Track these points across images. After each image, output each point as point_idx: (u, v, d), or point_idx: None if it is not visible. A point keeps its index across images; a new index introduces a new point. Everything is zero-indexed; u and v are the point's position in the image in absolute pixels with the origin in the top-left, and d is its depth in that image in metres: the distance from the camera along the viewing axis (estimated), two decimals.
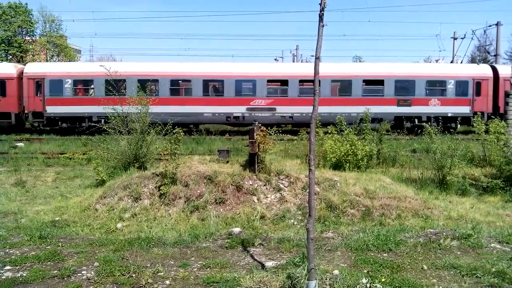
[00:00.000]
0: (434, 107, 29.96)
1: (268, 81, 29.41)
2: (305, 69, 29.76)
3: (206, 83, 29.37)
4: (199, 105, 28.83)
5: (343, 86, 30.14)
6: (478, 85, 30.24)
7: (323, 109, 26.41)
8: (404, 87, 30.02)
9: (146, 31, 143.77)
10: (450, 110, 30.05)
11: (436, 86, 30.25)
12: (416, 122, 29.78)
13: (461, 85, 30.15)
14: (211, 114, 29.13)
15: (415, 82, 29.83)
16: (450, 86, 29.93)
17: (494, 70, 30.90)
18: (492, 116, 29.21)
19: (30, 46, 55.22)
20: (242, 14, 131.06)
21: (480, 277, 5.98)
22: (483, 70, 31.04)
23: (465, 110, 30.09)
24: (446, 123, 29.71)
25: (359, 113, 28.42)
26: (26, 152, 20.38)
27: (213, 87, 30.20)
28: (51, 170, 16.11)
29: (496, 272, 6.10)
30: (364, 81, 29.80)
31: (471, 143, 16.73)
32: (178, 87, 29.85)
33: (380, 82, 29.80)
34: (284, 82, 29.58)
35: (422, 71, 30.75)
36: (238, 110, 29.12)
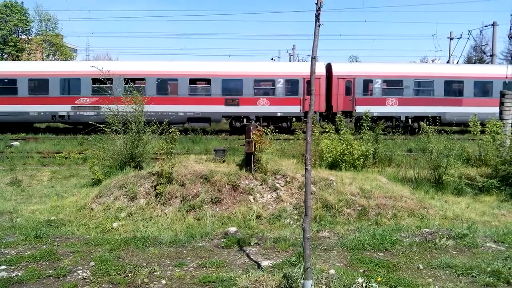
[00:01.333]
0: (263, 107, 29.40)
1: (93, 80, 27.99)
2: (127, 67, 29.40)
3: (31, 82, 29.27)
4: (24, 105, 28.96)
5: (165, 85, 29.91)
6: (309, 84, 29.36)
7: (150, 108, 26.69)
8: (232, 87, 29.67)
9: (142, 30, 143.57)
10: (280, 109, 29.47)
11: (264, 86, 29.83)
12: (245, 122, 29.39)
13: (291, 84, 29.64)
14: (36, 113, 29.10)
15: (242, 81, 29.43)
16: (279, 85, 29.41)
17: (329, 68, 30.49)
18: (324, 115, 29.65)
19: (26, 45, 55.02)
20: (238, 14, 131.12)
21: (476, 277, 6.00)
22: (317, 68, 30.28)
23: (295, 109, 29.52)
24: (276, 123, 29.26)
25: (186, 112, 28.80)
26: (22, 151, 20.33)
27: (35, 86, 29.75)
28: (47, 169, 16.07)
29: (492, 272, 6.12)
30: (190, 80, 29.52)
31: (467, 143, 16.76)
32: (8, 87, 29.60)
33: (207, 81, 29.59)
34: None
35: (250, 70, 30.10)
36: (63, 109, 29.03)
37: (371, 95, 29.86)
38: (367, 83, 29.75)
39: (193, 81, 29.49)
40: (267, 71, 30.11)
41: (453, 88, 30.39)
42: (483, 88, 30.48)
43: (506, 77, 29.94)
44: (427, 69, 31.54)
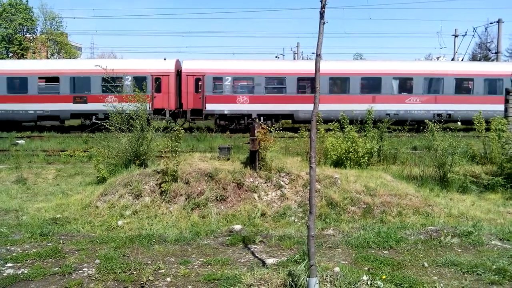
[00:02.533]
0: (111, 104, 28.83)
1: None
2: None
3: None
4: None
5: (15, 83, 29.94)
6: (157, 81, 29.48)
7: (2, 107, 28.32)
8: (81, 85, 29.43)
9: (146, 28, 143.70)
10: (128, 107, 28.87)
11: (112, 83, 29.24)
12: (93, 119, 29.08)
13: (139, 81, 28.63)
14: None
15: (90, 79, 29.18)
16: (127, 83, 28.84)
17: (179, 66, 30.21)
18: (175, 112, 29.47)
19: (31, 43, 55.19)
20: (243, 11, 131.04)
21: (481, 274, 5.99)
22: (164, 66, 30.18)
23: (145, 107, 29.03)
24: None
25: (36, 110, 29.14)
26: (27, 149, 20.42)
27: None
28: (52, 167, 16.12)
29: (497, 269, 6.11)
30: (39, 78, 29.62)
31: (472, 140, 16.70)
32: None
33: (56, 79, 29.48)
34: None
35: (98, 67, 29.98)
36: None
37: (222, 92, 29.48)
38: (217, 80, 29.30)
39: (42, 79, 29.64)
40: (115, 68, 29.85)
41: (309, 86, 30.09)
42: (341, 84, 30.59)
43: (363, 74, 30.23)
44: (278, 66, 31.16)
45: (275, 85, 30.04)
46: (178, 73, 29.97)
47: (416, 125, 29.54)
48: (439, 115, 29.16)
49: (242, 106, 29.36)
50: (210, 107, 28.95)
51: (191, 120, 29.43)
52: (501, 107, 28.76)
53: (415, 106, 29.74)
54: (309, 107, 25.90)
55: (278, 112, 29.58)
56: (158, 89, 29.52)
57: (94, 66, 29.53)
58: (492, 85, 30.47)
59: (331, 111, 26.22)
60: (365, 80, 30.21)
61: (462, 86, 30.77)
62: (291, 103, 29.47)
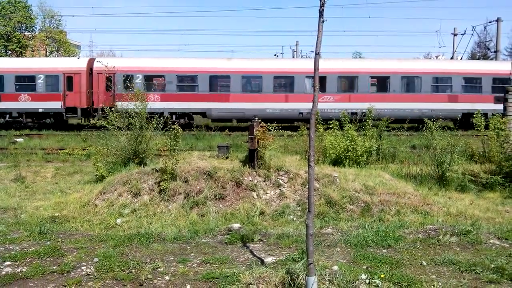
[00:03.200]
0: (25, 103, 29.16)
1: None
2: None
3: None
4: None
5: None
6: (70, 79, 29.45)
7: None
8: None
9: (145, 26, 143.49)
10: (41, 105, 29.26)
11: (26, 81, 29.48)
12: (8, 118, 29.39)
13: (52, 80, 29.39)
14: None
15: (3, 77, 29.26)
16: (40, 81, 29.17)
17: (92, 64, 29.83)
18: (87, 110, 29.47)
19: (30, 41, 55.08)
20: (242, 10, 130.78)
21: (479, 273, 5.99)
22: (76, 64, 30.08)
23: (57, 105, 29.34)
24: (40, 119, 29.53)
25: None
26: (26, 147, 20.42)
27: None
28: (51, 165, 16.11)
29: (495, 268, 6.11)
30: None
31: (471, 139, 16.70)
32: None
33: None
34: None
35: (10, 66, 29.96)
36: None
37: (133, 90, 29.21)
38: (127, 78, 28.69)
39: None
40: (26, 66, 29.99)
41: (221, 84, 30.14)
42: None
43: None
44: (190, 64, 30.90)
45: (187, 83, 29.94)
46: (92, 71, 29.79)
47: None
48: (353, 113, 28.71)
49: (154, 104, 28.67)
50: (121, 105, 28.68)
51: (102, 119, 29.33)
52: (420, 105, 29.42)
53: (329, 104, 29.46)
54: (223, 105, 25.79)
55: (191, 110, 29.44)
56: (70, 88, 29.45)
57: (7, 65, 29.81)
58: (410, 83, 30.52)
59: (246, 109, 26.76)
60: (278, 79, 30.11)
61: (379, 84, 30.77)
62: (203, 101, 29.41)
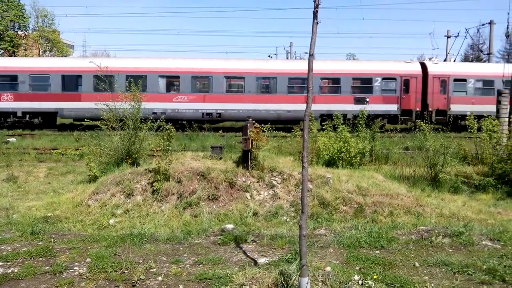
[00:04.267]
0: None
1: None
2: None
3: None
4: None
5: None
6: None
7: None
8: None
9: (140, 26, 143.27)
10: None
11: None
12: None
13: None
14: None
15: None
16: None
17: None
18: None
19: (22, 40, 54.82)
20: (236, 11, 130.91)
21: (471, 274, 6.02)
22: None
23: None
24: None
25: None
26: (18, 147, 20.30)
27: None
28: (43, 165, 16.03)
29: (487, 269, 6.14)
30: None
31: (464, 141, 16.77)
32: None
33: None
34: None
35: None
36: None
37: None
38: None
39: None
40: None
41: (68, 82, 29.67)
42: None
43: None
44: (43, 64, 30.36)
45: (40, 82, 29.51)
46: None
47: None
48: (208, 114, 28.92)
49: (6, 104, 28.85)
50: None
51: None
52: (276, 106, 29.06)
53: (183, 105, 29.30)
54: (74, 104, 25.44)
55: (43, 110, 29.11)
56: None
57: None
58: (266, 84, 30.38)
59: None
60: (131, 79, 29.79)
61: (232, 84, 30.64)
62: (55, 101, 29.13)
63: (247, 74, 29.49)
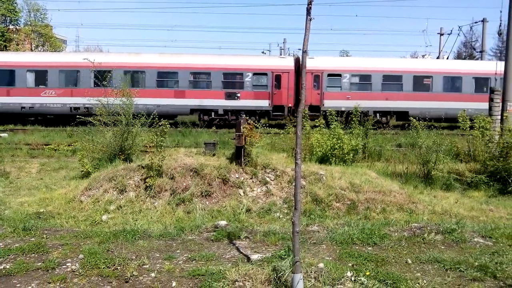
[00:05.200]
0: None
1: None
2: None
3: None
4: None
5: None
6: None
7: None
8: None
9: (133, 21, 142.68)
10: None
11: None
12: None
13: None
14: None
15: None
16: None
17: None
18: None
19: (14, 35, 54.43)
20: (229, 6, 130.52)
21: (463, 271, 6.05)
22: None
23: None
24: None
25: None
26: (10, 142, 20.19)
27: None
28: (36, 161, 15.96)
29: (479, 266, 6.18)
30: None
31: (456, 138, 16.84)
32: None
33: None
34: None
35: None
36: None
37: None
38: None
39: None
40: None
41: None
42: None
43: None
44: None
45: None
46: None
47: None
48: (76, 108, 28.69)
49: None
50: None
51: None
52: (146, 101, 27.15)
53: (51, 99, 29.26)
54: None
55: None
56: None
57: None
58: (135, 78, 30.00)
59: None
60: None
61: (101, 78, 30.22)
62: None
63: (117, 68, 28.68)
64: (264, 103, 29.66)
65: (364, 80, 30.58)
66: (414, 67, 31.55)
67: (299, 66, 29.84)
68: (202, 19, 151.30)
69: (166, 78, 29.90)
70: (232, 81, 29.61)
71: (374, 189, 10.35)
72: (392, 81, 30.58)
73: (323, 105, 29.82)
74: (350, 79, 30.40)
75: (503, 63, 17.85)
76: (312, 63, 29.91)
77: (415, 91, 30.52)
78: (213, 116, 29.77)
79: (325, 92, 30.12)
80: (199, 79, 30.31)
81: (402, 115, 30.44)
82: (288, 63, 30.57)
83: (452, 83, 30.93)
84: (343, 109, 28.29)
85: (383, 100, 30.21)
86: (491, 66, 29.80)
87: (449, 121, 28.02)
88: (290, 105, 29.68)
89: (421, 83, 30.92)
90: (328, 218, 9.09)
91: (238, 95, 29.27)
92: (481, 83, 30.68)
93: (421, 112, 29.43)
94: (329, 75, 30.26)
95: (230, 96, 29.28)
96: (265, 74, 29.72)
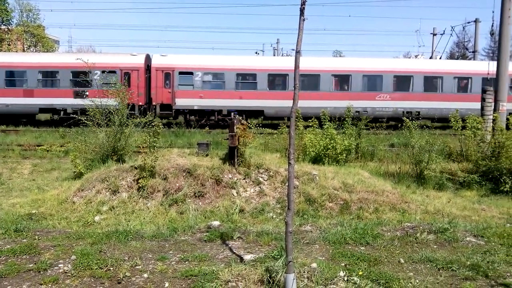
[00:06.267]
0: None
1: None
2: None
3: None
4: None
5: None
6: None
7: None
8: None
9: (126, 22, 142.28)
10: None
11: None
12: None
13: None
14: None
15: None
16: None
17: None
18: None
19: (6, 35, 54.16)
20: (223, 7, 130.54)
21: (456, 270, 6.07)
22: None
23: None
24: None
25: None
26: (2, 143, 20.10)
27: None
28: (28, 162, 15.89)
29: (471, 265, 6.20)
30: None
31: (449, 138, 16.91)
32: None
33: None
34: None
35: None
36: None
37: None
38: None
39: None
40: None
41: None
42: None
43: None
44: None
45: None
46: None
47: None
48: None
49: None
50: None
51: None
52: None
53: None
54: None
55: None
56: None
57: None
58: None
59: None
60: None
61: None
62: None
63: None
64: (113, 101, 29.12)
65: (217, 78, 30.09)
66: (268, 65, 30.84)
67: (149, 64, 29.93)
68: (195, 20, 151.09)
69: (15, 77, 29.44)
70: (80, 79, 27.89)
71: (367, 189, 10.38)
72: (246, 79, 30.18)
73: (175, 103, 29.46)
74: (203, 77, 29.84)
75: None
76: (163, 61, 29.82)
77: (271, 90, 30.13)
78: (62, 115, 29.07)
79: (176, 90, 29.59)
80: (48, 78, 29.85)
81: (258, 114, 30.07)
82: (138, 60, 29.95)
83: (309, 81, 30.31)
84: (195, 107, 28.66)
85: (237, 99, 29.68)
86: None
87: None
88: (141, 103, 28.97)
89: (276, 81, 30.61)
90: (321, 218, 9.10)
91: (87, 93, 27.76)
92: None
93: (276, 111, 29.33)
94: (180, 73, 29.69)
95: (78, 95, 28.34)
96: (114, 72, 28.80)
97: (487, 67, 28.80)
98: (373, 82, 30.69)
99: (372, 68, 30.62)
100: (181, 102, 29.27)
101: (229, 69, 29.77)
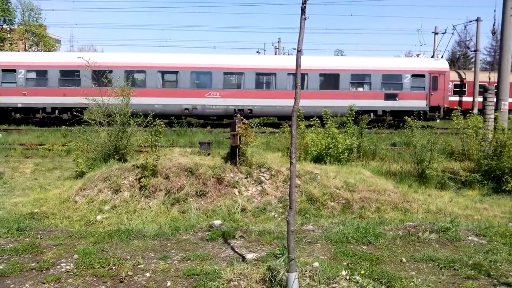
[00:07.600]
0: None
1: None
2: None
3: None
4: None
5: None
6: None
7: None
8: None
9: (127, 21, 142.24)
10: None
11: None
12: None
13: None
14: None
15: None
16: None
17: None
18: None
19: (8, 35, 54.18)
20: (224, 6, 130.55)
21: (458, 270, 6.07)
22: None
23: None
24: None
25: None
26: (4, 143, 20.08)
27: None
28: (30, 161, 15.89)
29: (473, 265, 6.20)
30: None
31: (450, 137, 16.89)
32: None
33: None
34: None
35: None
36: None
37: None
38: None
39: None
40: None
41: None
42: None
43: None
44: None
45: None
46: None
47: None
48: None
49: None
50: None
51: None
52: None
53: None
54: None
55: None
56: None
57: None
58: None
59: None
60: None
61: None
62: None
63: None
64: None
65: (40, 75, 29.33)
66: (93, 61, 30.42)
67: None
68: (196, 19, 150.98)
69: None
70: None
71: (368, 188, 10.37)
72: (70, 76, 29.41)
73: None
74: (26, 74, 29.14)
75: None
76: None
77: (95, 87, 29.51)
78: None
79: (1, 88, 28.95)
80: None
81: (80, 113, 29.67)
82: None
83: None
84: (19, 105, 28.26)
85: (61, 96, 28.88)
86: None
87: None
88: None
89: (101, 78, 30.04)
90: (323, 217, 9.10)
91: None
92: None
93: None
94: (3, 70, 29.08)
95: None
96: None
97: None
98: (203, 79, 30.19)
99: (201, 65, 29.79)
100: (5, 99, 28.74)
101: (52, 66, 29.22)
